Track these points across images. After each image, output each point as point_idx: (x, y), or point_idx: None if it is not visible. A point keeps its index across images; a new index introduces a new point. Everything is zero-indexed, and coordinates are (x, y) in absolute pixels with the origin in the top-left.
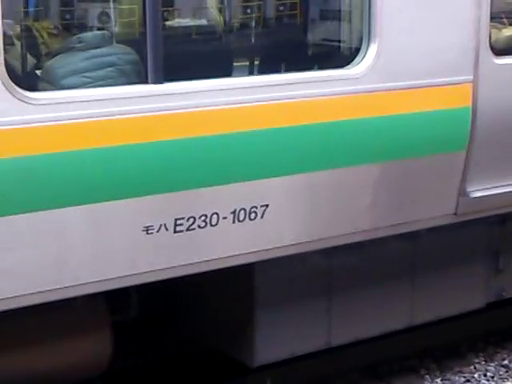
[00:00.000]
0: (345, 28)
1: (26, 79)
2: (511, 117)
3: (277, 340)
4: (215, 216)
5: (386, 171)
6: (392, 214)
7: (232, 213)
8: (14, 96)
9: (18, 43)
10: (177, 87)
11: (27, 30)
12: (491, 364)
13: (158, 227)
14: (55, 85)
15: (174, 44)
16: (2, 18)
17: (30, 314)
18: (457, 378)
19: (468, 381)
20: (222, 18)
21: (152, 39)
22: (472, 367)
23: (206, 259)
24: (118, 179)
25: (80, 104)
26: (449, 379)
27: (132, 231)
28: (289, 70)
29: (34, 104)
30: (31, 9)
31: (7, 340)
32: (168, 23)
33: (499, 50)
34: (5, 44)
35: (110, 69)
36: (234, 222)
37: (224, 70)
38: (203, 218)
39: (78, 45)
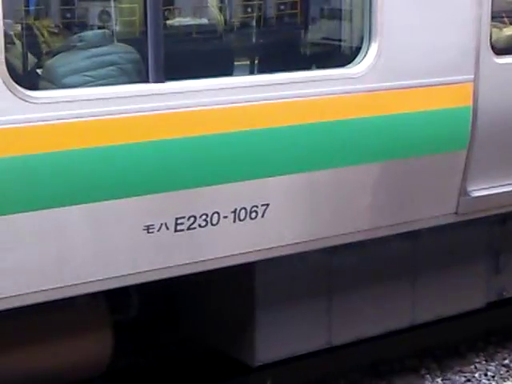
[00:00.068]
0: (345, 27)
1: (27, 78)
2: None
3: (277, 339)
4: (216, 215)
5: (387, 170)
6: (392, 213)
7: (233, 212)
8: (14, 95)
9: (18, 42)
10: (178, 86)
11: (28, 28)
12: (492, 363)
13: (158, 226)
14: (56, 84)
15: (175, 43)
16: (3, 16)
17: (31, 313)
18: (457, 377)
19: (468, 380)
20: (222, 17)
21: (153, 38)
22: (472, 367)
23: (207, 258)
24: (118, 178)
25: (81, 103)
26: (449, 379)
27: (133, 230)
28: (289, 69)
29: (34, 103)
30: (32, 7)
31: (8, 339)
32: (169, 22)
33: (500, 50)
34: (6, 43)
35: (111, 68)
36: (234, 221)
37: (225, 69)
38: (204, 217)
39: (79, 44)
